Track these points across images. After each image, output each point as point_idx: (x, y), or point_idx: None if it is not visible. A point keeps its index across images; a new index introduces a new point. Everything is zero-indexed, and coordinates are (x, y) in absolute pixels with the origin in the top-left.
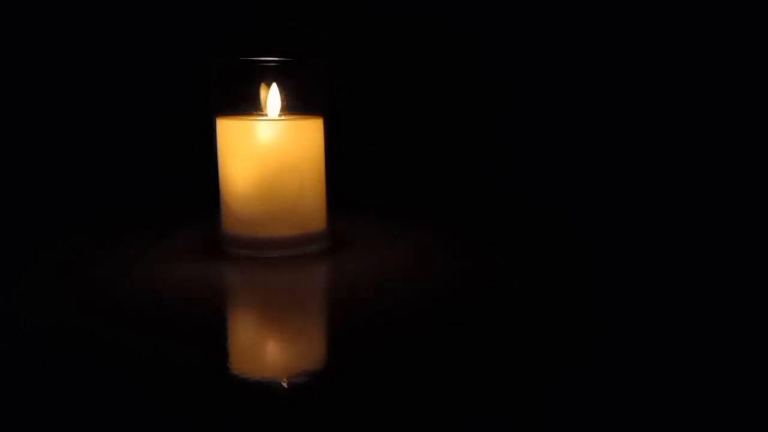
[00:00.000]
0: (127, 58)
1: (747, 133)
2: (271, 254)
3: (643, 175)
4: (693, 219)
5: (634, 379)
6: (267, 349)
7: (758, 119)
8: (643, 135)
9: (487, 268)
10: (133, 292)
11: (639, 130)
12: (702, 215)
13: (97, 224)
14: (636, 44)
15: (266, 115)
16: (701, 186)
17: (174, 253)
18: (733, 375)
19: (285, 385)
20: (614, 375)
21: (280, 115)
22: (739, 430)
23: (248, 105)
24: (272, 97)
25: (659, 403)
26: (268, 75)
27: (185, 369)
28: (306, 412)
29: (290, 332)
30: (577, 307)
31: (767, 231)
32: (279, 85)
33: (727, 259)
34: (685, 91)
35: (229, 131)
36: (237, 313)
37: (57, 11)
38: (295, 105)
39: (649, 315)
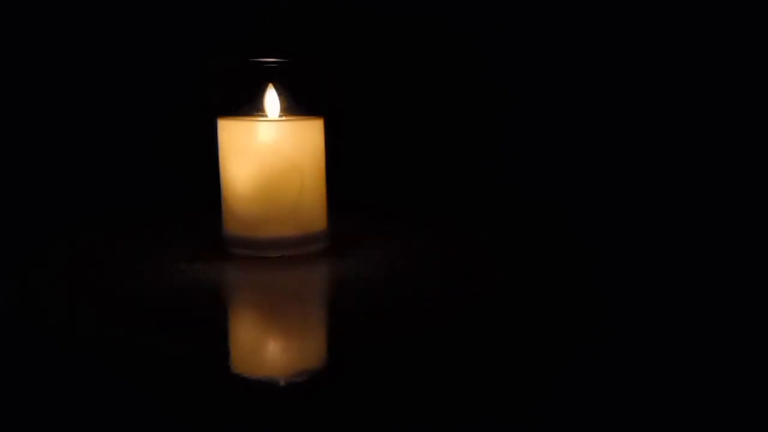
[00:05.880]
0: (128, 59)
1: (747, 133)
2: (271, 254)
3: (643, 175)
4: (693, 219)
5: (634, 379)
6: (267, 348)
7: (758, 119)
8: (643, 135)
9: (486, 268)
10: (133, 292)
11: (639, 130)
12: (702, 215)
13: (97, 224)
14: (636, 44)
15: (267, 115)
16: (701, 186)
17: (175, 252)
18: (733, 375)
19: (285, 384)
20: (614, 375)
21: (280, 116)
22: (739, 430)
23: (249, 106)
24: (269, 98)
25: (659, 403)
26: (268, 75)
27: (186, 369)
28: (306, 412)
29: (290, 332)
30: (577, 306)
31: (767, 231)
32: (279, 86)
33: (727, 259)
34: (685, 91)
35: (230, 132)
36: (237, 312)
37: (57, 11)
38: (295, 105)
39: (649, 315)
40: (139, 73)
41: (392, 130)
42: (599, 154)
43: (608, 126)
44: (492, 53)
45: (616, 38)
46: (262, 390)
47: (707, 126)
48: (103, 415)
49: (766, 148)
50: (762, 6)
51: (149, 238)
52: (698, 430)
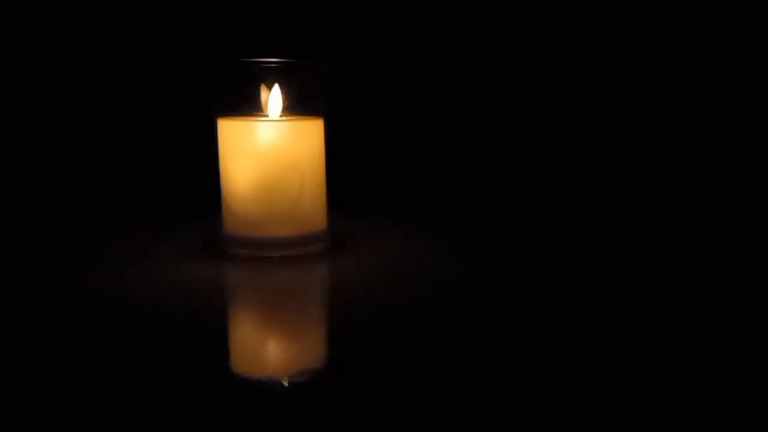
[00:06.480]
0: (128, 59)
1: (747, 133)
2: (271, 254)
3: (644, 175)
4: (693, 219)
5: (634, 379)
6: (267, 348)
7: (758, 119)
8: (643, 135)
9: (486, 268)
10: (133, 292)
11: (639, 130)
12: (702, 215)
13: (97, 224)
14: (636, 44)
15: (267, 115)
16: (701, 186)
17: (175, 252)
18: (733, 375)
19: (285, 384)
20: (614, 375)
21: (280, 116)
22: (739, 430)
23: (249, 106)
24: (274, 97)
25: (659, 403)
26: (268, 76)
27: (186, 369)
28: (306, 411)
29: (290, 332)
30: (577, 307)
31: (767, 231)
32: (279, 86)
33: (727, 259)
34: (685, 91)
35: (230, 132)
36: (237, 312)
37: (57, 11)
38: (295, 106)
39: (649, 315)
40: (139, 73)
41: (392, 130)
42: (599, 154)
43: (608, 126)
44: (492, 53)
45: (616, 38)
46: (262, 390)
47: (707, 126)
48: (103, 415)
49: (766, 148)
50: (762, 6)
51: (149, 238)
52: (698, 430)
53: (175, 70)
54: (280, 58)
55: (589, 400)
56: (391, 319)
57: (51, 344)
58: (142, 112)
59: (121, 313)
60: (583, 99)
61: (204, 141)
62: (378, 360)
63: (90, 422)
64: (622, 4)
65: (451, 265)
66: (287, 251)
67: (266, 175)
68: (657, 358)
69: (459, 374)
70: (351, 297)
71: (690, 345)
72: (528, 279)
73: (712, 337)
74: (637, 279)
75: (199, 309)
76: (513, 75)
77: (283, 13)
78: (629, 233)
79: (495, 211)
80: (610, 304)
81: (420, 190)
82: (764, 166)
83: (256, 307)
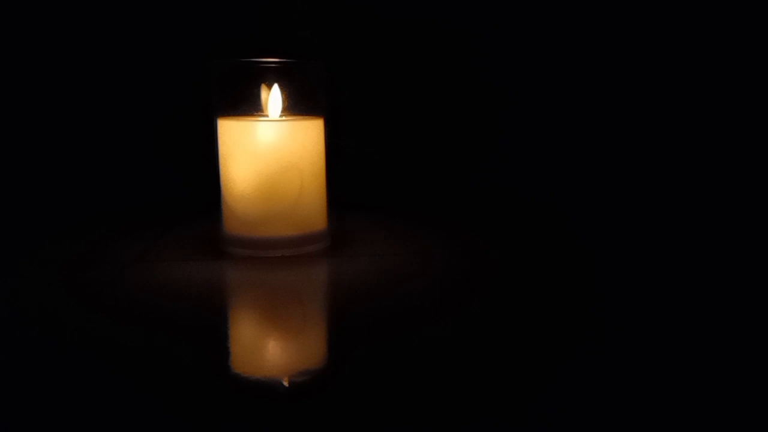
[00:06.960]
0: (128, 59)
1: (747, 133)
2: (271, 254)
3: (644, 175)
4: (693, 218)
5: (634, 379)
6: (267, 348)
7: (758, 119)
8: (643, 135)
9: (486, 268)
10: (133, 292)
11: (639, 130)
12: (702, 215)
13: (97, 224)
14: (636, 44)
15: (267, 115)
16: (701, 186)
17: (174, 252)
18: (733, 375)
19: (285, 384)
20: (614, 375)
21: (280, 116)
22: (739, 430)
23: (249, 106)
24: (273, 97)
25: (659, 403)
26: (268, 76)
27: (186, 369)
28: (306, 411)
29: (290, 332)
30: (577, 307)
31: (767, 231)
32: (279, 86)
33: (727, 259)
34: (685, 91)
35: (230, 132)
36: (237, 312)
37: (57, 11)
38: (295, 106)
39: (649, 315)
40: (139, 73)
41: (392, 131)
42: (599, 154)
43: (608, 126)
44: (492, 53)
45: (616, 38)
46: (262, 390)
47: (707, 126)
48: (103, 415)
49: (766, 148)
50: (762, 6)
51: (149, 238)
52: (698, 430)
53: (175, 70)
54: (280, 58)
55: (589, 400)
56: (391, 319)
57: (51, 344)
58: (142, 112)
59: (121, 313)
60: (582, 99)
61: (204, 141)
62: (378, 360)
63: (90, 422)
64: (622, 4)
65: (451, 265)
66: (287, 251)
67: (266, 175)
68: (657, 357)
69: (459, 374)
70: (351, 297)
71: (690, 345)
72: (528, 279)
73: (711, 336)
74: (637, 279)
75: (199, 309)
76: (513, 75)
77: (283, 13)
78: (629, 233)
79: (495, 211)
80: (610, 304)
81: (420, 190)
82: (764, 166)
83: (256, 307)
